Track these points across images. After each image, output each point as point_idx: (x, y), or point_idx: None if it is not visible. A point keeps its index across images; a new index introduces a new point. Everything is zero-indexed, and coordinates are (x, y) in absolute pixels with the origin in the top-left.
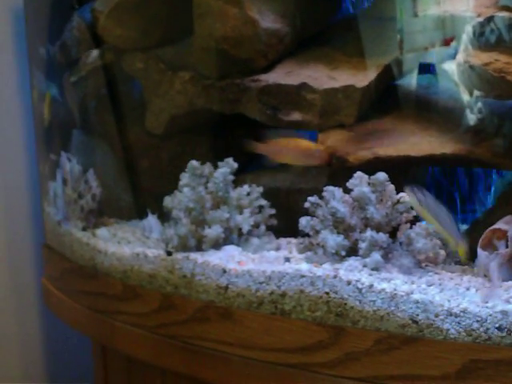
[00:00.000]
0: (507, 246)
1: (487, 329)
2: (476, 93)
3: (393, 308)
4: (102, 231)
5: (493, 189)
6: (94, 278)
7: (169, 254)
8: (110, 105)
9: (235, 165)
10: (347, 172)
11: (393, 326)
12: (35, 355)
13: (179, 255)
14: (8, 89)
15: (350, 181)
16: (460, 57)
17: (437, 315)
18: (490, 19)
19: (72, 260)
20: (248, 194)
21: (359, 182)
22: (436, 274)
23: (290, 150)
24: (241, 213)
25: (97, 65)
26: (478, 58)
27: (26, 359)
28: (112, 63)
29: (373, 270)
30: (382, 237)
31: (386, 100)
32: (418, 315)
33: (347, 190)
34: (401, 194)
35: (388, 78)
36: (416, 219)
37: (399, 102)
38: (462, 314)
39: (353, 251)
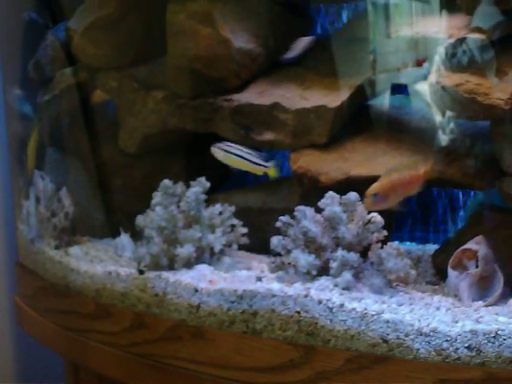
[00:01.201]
0: (477, 266)
1: (457, 348)
2: (448, 113)
3: (363, 327)
4: (74, 250)
5: (464, 209)
6: (67, 297)
7: (141, 272)
8: (84, 123)
9: (207, 184)
10: (319, 192)
11: (363, 346)
12: (7, 373)
13: (151, 274)
14: None
15: (322, 200)
16: (432, 77)
17: (407, 335)
18: (461, 40)
19: (45, 278)
20: (220, 213)
21: (331, 202)
22: (406, 293)
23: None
24: (213, 232)
25: (70, 83)
26: (450, 78)
27: None
28: (86, 82)
29: (344, 289)
30: (353, 256)
31: (359, 120)
32: (388, 334)
33: (319, 210)
34: (372, 214)
35: (360, 98)
36: (387, 239)
37: (371, 122)
38: (431, 333)
39: (324, 271)
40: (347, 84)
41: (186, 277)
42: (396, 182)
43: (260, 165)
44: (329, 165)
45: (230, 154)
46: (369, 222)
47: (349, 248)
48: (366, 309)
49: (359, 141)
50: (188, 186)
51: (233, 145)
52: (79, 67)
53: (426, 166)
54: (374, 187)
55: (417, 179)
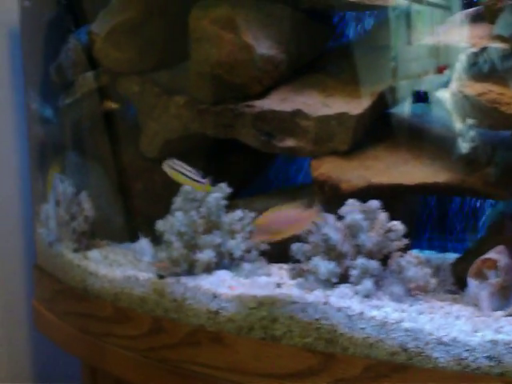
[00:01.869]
0: (497, 276)
1: (476, 358)
2: (469, 122)
3: (383, 336)
4: (93, 253)
5: (484, 218)
6: (85, 300)
7: (160, 277)
8: (105, 127)
9: (228, 190)
10: (340, 199)
11: (382, 354)
12: (24, 377)
13: (170, 279)
14: (2, 108)
15: (343, 208)
16: (453, 86)
17: (427, 344)
18: (483, 49)
19: (63, 281)
20: (240, 219)
21: (351, 210)
22: (426, 302)
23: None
24: (233, 238)
25: (92, 87)
26: (472, 88)
27: (15, 382)
28: (107, 86)
29: (364, 297)
30: (374, 264)
31: (380, 128)
32: (407, 343)
33: (340, 217)
34: (393, 222)
35: (382, 105)
36: (407, 247)
37: (393, 129)
38: (451, 342)
39: (344, 278)
40: (369, 91)
41: (205, 282)
42: (279, 218)
43: (198, 181)
44: (350, 172)
45: (175, 170)
46: (390, 230)
47: (369, 256)
48: (385, 317)
49: (381, 149)
50: (209, 192)
51: (178, 162)
52: (101, 71)
53: (310, 211)
54: (259, 220)
55: (300, 219)
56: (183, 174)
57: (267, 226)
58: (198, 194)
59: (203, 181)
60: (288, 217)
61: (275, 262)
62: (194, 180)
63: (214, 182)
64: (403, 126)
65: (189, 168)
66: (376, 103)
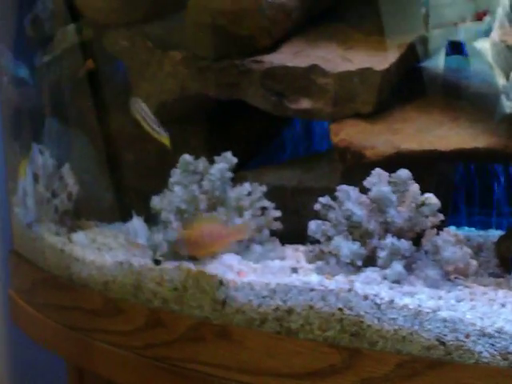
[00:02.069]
0: None
1: None
2: None
3: (416, 327)
4: (79, 236)
5: None
6: (70, 291)
7: (157, 262)
8: (90, 89)
9: (234, 160)
10: (364, 169)
11: (416, 348)
12: (0, 378)
13: (169, 264)
14: None
15: (368, 179)
16: (495, 35)
17: (467, 336)
18: None
19: (44, 269)
20: (249, 193)
21: (378, 181)
22: (466, 287)
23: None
24: (241, 215)
25: (74, 42)
26: None
27: None
28: (91, 41)
29: (394, 282)
30: (405, 244)
31: (410, 85)
32: (445, 335)
33: (364, 190)
34: (426, 195)
35: (411, 59)
36: (443, 224)
37: (424, 87)
38: (496, 334)
39: (370, 261)
40: (396, 43)
41: (209, 267)
42: (207, 232)
43: (156, 131)
44: (375, 137)
45: (138, 113)
46: (423, 204)
47: (399, 234)
48: (419, 305)
49: (410, 109)
50: (212, 162)
51: (141, 103)
52: (84, 24)
53: (238, 226)
54: (184, 233)
55: (225, 236)
56: (145, 119)
57: (195, 240)
58: (200, 165)
59: (163, 132)
60: (213, 232)
61: (290, 243)
62: (154, 129)
63: (217, 151)
64: (436, 82)
65: (150, 114)
66: (404, 56)
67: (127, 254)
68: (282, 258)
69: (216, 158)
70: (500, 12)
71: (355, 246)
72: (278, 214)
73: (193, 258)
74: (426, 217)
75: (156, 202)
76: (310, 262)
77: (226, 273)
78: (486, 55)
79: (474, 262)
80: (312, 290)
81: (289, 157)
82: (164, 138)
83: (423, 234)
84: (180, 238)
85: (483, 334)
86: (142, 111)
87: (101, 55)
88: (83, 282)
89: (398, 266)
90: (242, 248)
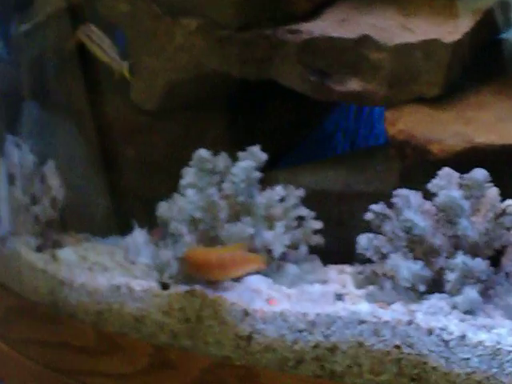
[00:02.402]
0: None
1: None
2: None
3: (495, 370)
4: (66, 252)
5: None
6: (54, 322)
7: (165, 287)
8: (80, 66)
9: (263, 156)
10: (428, 168)
11: None
12: None
13: (180, 289)
14: None
15: (434, 181)
16: None
17: None
18: None
19: (21, 295)
20: (282, 199)
21: (447, 184)
22: None
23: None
24: (271, 227)
25: (60, 7)
26: None
27: None
28: (82, 5)
29: (466, 313)
30: (480, 264)
31: (487, 62)
32: None
33: (429, 195)
34: (508, 202)
35: (489, 29)
36: None
37: (505, 64)
38: None
39: (436, 285)
40: (470, 8)
41: (231, 293)
42: (216, 254)
43: (115, 60)
44: (443, 128)
45: (91, 40)
46: (503, 213)
47: (474, 252)
48: (499, 342)
49: (488, 93)
50: (235, 160)
51: (96, 30)
52: None
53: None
54: (188, 252)
55: (238, 264)
56: (100, 47)
57: (200, 261)
58: (220, 163)
59: (122, 62)
60: (224, 255)
61: (333, 263)
62: (113, 58)
63: (242, 145)
64: None
65: (108, 41)
66: (481, 25)
67: (127, 275)
68: (324, 282)
69: (240, 153)
70: None
71: (417, 267)
72: (318, 225)
73: (210, 282)
74: (508, 229)
75: (163, 209)
76: (359, 286)
77: (253, 300)
78: None
79: None
80: (362, 322)
81: (332, 153)
82: (123, 69)
83: (504, 251)
84: (184, 255)
85: None
86: (94, 35)
87: (95, 23)
88: (71, 311)
89: (471, 292)
90: (273, 268)
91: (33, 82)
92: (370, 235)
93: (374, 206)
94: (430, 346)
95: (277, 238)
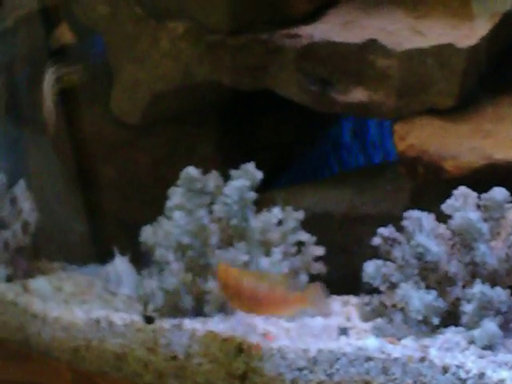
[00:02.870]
0: None
1: None
2: None
3: None
4: (38, 283)
5: None
6: (26, 361)
7: (149, 320)
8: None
9: (259, 175)
10: (442, 187)
11: None
12: None
13: (166, 323)
14: None
15: (448, 202)
16: None
17: None
18: None
19: None
20: (279, 222)
21: (463, 204)
22: None
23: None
24: (268, 254)
25: (32, 10)
26: None
27: None
28: (58, 6)
29: (485, 348)
30: (500, 294)
31: (506, 70)
32: None
33: (443, 217)
34: None
35: (509, 33)
36: None
37: None
38: None
39: (452, 317)
40: (487, 10)
41: (223, 327)
42: (249, 290)
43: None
44: (459, 143)
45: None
46: None
47: (493, 280)
48: None
49: (507, 103)
50: (227, 179)
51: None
52: None
53: (299, 296)
54: (221, 269)
55: (278, 302)
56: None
57: (229, 288)
58: (210, 182)
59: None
60: (259, 294)
61: (337, 294)
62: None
63: (235, 162)
64: None
65: (54, 97)
66: (499, 29)
67: (107, 307)
68: (327, 314)
69: (233, 172)
70: None
71: (430, 297)
72: (320, 251)
73: (200, 313)
74: None
75: (148, 234)
76: (365, 319)
77: (247, 335)
78: None
79: None
80: (369, 359)
81: (335, 171)
82: (51, 126)
83: None
84: (222, 276)
85: None
86: (50, 87)
87: (71, 27)
88: (44, 348)
89: (490, 326)
90: None
91: (2, 92)
92: (378, 262)
93: (382, 230)
94: None
95: (274, 266)
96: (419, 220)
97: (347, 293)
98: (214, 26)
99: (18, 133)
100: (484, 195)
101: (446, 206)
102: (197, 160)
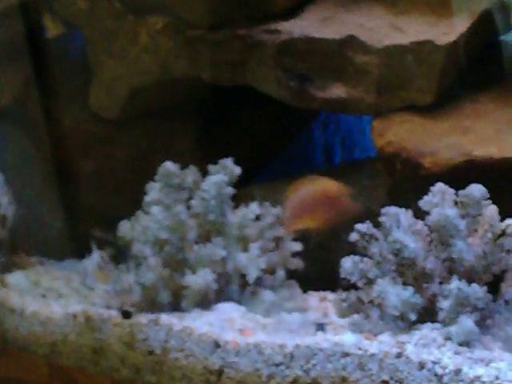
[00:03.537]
0: None
1: None
2: None
3: None
4: (15, 277)
5: None
6: (2, 355)
7: (126, 315)
8: (33, 69)
9: (237, 170)
10: (420, 184)
11: None
12: None
13: (143, 318)
14: None
15: (426, 198)
16: None
17: None
18: None
19: None
20: (257, 218)
21: (440, 201)
22: None
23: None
24: (245, 249)
25: (11, 4)
26: None
27: None
28: (37, 2)
29: (461, 344)
30: (477, 291)
31: (484, 66)
32: None
33: (420, 214)
34: (508, 221)
35: (487, 30)
36: None
37: (504, 69)
38: None
39: (429, 314)
40: (466, 8)
41: (200, 323)
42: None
43: None
44: (437, 140)
45: None
46: (503, 233)
47: (470, 277)
48: (497, 377)
49: (486, 100)
50: (205, 174)
51: None
52: None
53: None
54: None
55: (333, 201)
56: None
57: (300, 206)
58: (188, 177)
59: None
60: (315, 194)
61: (314, 290)
62: None
63: (213, 157)
64: None
65: None
66: (477, 26)
67: (84, 302)
68: (304, 310)
69: (211, 167)
70: None
71: (407, 293)
72: (297, 247)
73: (178, 308)
74: (508, 252)
75: (125, 229)
76: (342, 315)
77: (224, 330)
78: None
79: None
80: (345, 354)
81: (313, 167)
82: None
83: (503, 276)
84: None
85: None
86: None
87: (49, 21)
88: (21, 342)
89: (467, 322)
90: (247, 295)
91: None
92: (355, 258)
93: (359, 226)
94: (422, 382)
95: (251, 261)
96: (397, 216)
97: (324, 289)
98: (193, 21)
99: None
100: (461, 192)
101: (424, 203)
102: (175, 155)
